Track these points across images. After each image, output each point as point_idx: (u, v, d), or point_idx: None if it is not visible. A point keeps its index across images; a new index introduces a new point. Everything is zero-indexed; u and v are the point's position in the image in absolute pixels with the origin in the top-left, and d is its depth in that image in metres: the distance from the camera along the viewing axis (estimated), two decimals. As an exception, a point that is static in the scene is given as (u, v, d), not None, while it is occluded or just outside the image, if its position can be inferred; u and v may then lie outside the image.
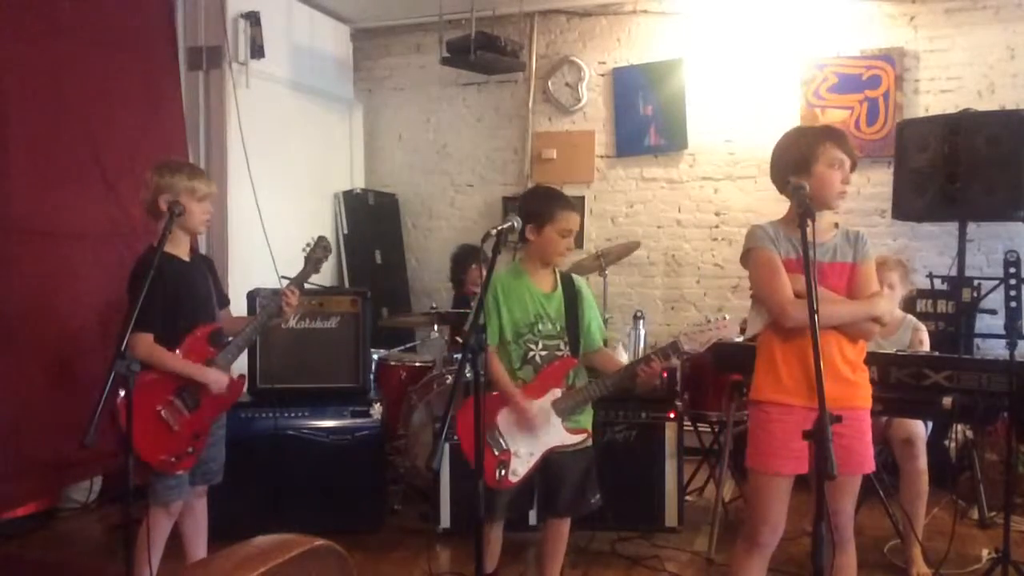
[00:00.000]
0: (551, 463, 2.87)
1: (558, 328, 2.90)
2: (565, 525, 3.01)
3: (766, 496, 2.50)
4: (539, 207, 2.90)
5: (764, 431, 2.50)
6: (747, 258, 2.57)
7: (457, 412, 2.99)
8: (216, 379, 2.92)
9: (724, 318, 2.76)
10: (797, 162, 2.48)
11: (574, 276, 3.07)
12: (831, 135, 2.53)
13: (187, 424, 2.88)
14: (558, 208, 2.87)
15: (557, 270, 3.00)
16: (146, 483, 2.84)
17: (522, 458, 2.83)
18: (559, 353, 2.89)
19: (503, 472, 2.80)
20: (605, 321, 4.75)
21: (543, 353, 2.88)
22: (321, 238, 3.21)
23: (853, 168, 2.51)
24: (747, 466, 2.58)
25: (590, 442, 2.96)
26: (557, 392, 2.84)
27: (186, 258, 2.97)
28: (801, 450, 2.40)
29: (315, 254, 3.17)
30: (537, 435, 2.83)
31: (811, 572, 1.98)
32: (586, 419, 2.96)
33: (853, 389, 2.48)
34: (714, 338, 2.76)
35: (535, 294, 2.92)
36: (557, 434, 2.84)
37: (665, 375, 4.02)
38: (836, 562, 2.49)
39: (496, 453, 2.81)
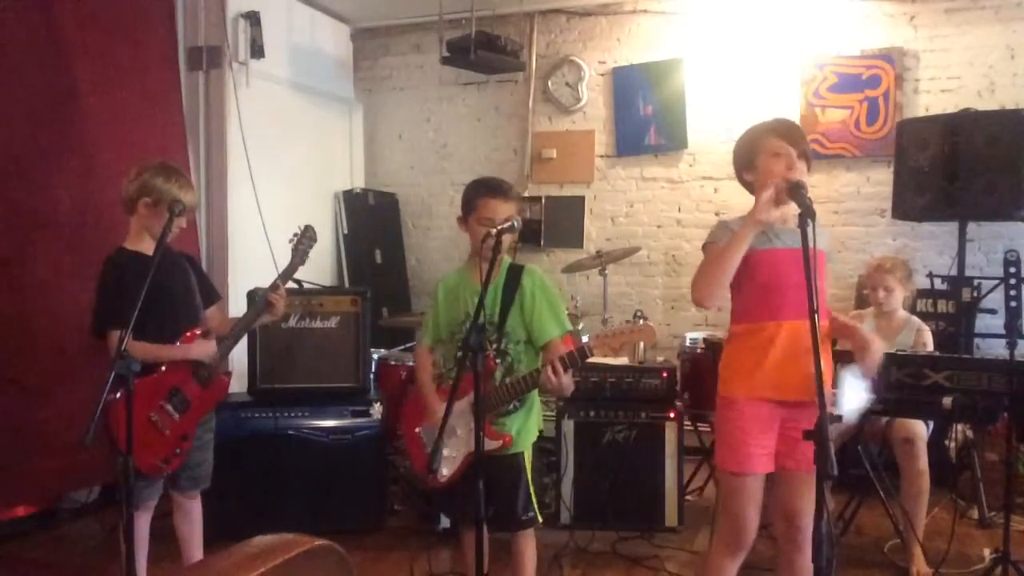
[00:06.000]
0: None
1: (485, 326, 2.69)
2: (520, 540, 2.78)
3: (740, 498, 2.47)
4: (465, 197, 2.80)
5: (735, 428, 2.47)
6: (705, 251, 2.59)
7: (403, 409, 2.92)
8: (202, 350, 2.89)
9: (644, 319, 2.60)
10: (746, 158, 2.56)
11: (527, 267, 2.80)
12: (774, 127, 2.55)
13: (176, 427, 2.88)
14: (478, 196, 2.73)
15: (507, 263, 2.79)
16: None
17: (447, 459, 2.69)
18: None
19: (433, 471, 2.65)
20: (605, 321, 4.81)
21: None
22: (307, 227, 3.16)
23: (803, 157, 2.46)
24: (718, 468, 2.55)
25: (519, 450, 2.74)
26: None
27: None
28: (768, 447, 2.44)
29: (301, 245, 3.13)
30: (460, 437, 2.70)
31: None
32: (514, 425, 2.73)
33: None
34: (628, 342, 2.58)
35: (470, 291, 2.76)
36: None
37: (665, 375, 4.04)
38: (797, 563, 2.49)
39: (427, 451, 2.67)
